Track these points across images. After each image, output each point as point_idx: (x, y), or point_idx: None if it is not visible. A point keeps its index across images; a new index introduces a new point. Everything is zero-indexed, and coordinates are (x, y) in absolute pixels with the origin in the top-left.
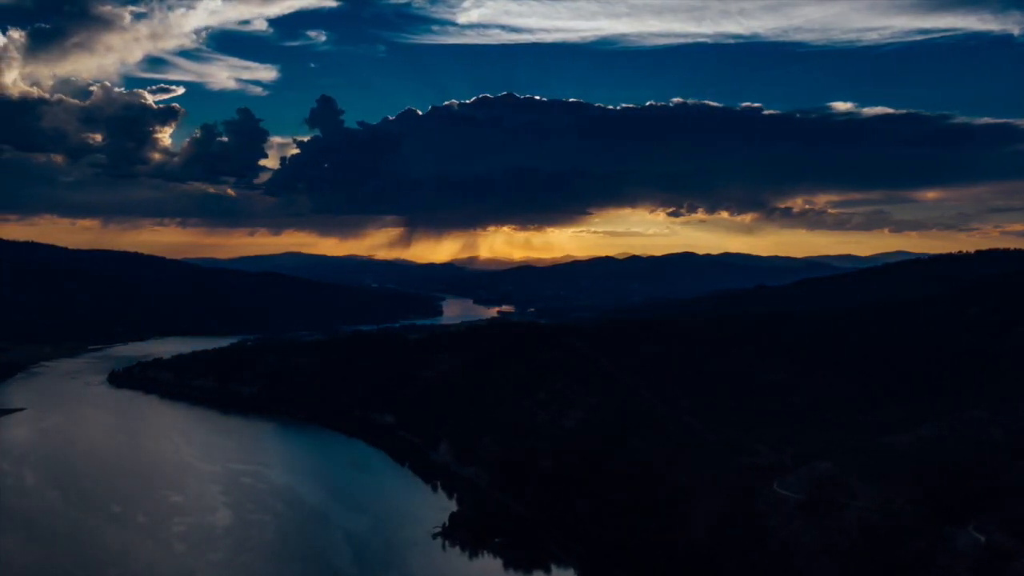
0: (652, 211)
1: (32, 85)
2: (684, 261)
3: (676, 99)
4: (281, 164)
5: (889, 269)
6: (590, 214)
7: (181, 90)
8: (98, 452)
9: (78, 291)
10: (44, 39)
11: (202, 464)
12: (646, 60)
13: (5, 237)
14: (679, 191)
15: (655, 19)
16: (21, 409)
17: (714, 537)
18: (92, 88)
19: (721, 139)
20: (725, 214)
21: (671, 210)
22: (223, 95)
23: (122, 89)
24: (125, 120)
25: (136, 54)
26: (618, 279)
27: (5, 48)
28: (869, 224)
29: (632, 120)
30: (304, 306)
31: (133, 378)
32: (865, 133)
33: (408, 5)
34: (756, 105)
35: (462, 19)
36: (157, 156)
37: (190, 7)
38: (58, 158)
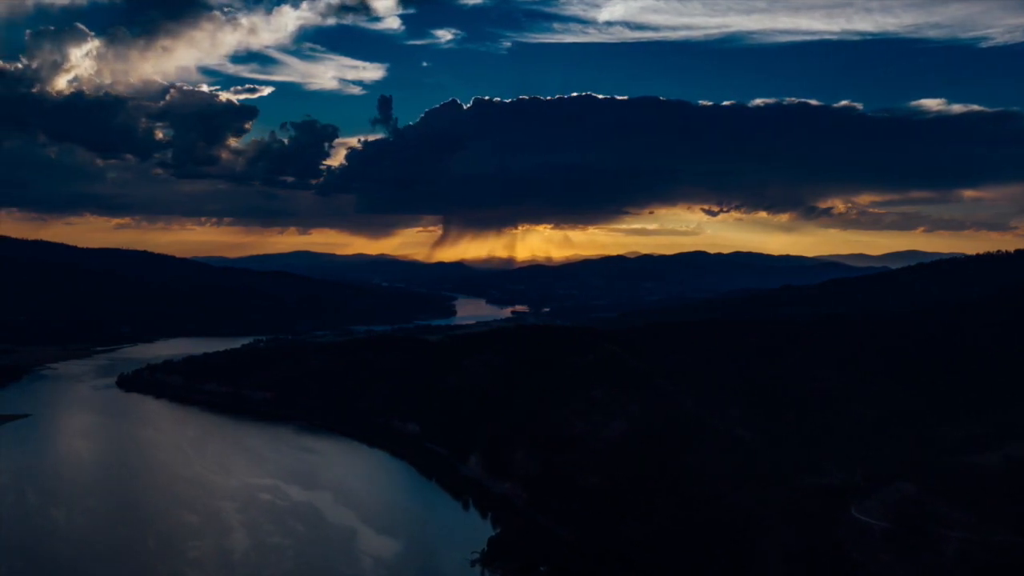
0: (689, 208)
1: (111, 84)
2: (695, 260)
3: (759, 100)
4: (343, 164)
5: (923, 269)
6: (627, 212)
7: (268, 90)
8: (105, 465)
9: (85, 291)
10: (131, 38)
11: (216, 478)
12: (765, 58)
13: (44, 238)
14: (722, 190)
15: (788, 16)
16: (25, 415)
17: (791, 571)
18: (173, 87)
19: (785, 138)
20: (764, 213)
21: (706, 207)
22: (317, 95)
23: (208, 88)
24: (198, 119)
25: (228, 51)
26: (630, 279)
27: (88, 47)
28: (907, 224)
29: (707, 120)
30: (315, 306)
31: (142, 382)
32: (936, 132)
33: (549, 2)
34: (851, 104)
35: (604, 16)
36: (225, 155)
37: (298, 4)
38: (130, 157)
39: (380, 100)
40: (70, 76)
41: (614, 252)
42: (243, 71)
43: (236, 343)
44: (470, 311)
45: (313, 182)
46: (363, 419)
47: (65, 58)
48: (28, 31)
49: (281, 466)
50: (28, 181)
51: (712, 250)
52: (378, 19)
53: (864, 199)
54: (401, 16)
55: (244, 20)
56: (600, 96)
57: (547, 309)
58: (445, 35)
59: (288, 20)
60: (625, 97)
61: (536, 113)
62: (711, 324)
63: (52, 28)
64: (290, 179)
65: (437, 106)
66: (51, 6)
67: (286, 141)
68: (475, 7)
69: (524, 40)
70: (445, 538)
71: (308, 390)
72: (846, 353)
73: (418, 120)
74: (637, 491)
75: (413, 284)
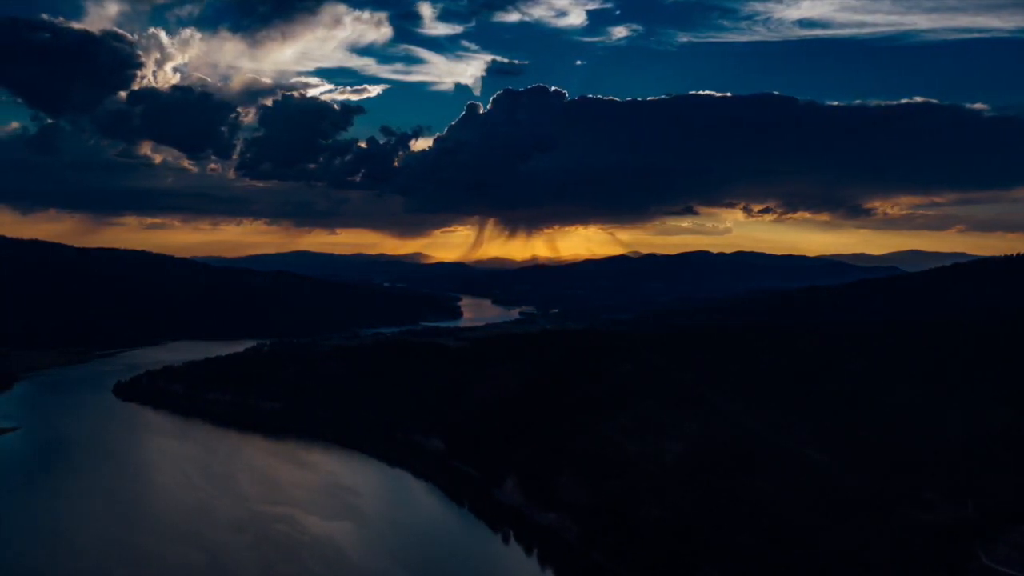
0: (731, 207)
1: (214, 84)
2: (699, 260)
3: (876, 100)
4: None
5: (957, 270)
6: (671, 212)
7: (378, 89)
8: (99, 490)
9: (84, 292)
10: (236, 37)
11: (223, 505)
12: (926, 56)
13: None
14: (771, 189)
15: (970, 14)
16: (13, 429)
17: None
18: (278, 87)
19: (874, 139)
20: (806, 213)
21: (744, 206)
22: (438, 94)
23: (330, 86)
24: (291, 120)
25: (368, 46)
26: (636, 278)
27: (192, 47)
28: (940, 224)
29: (807, 119)
30: (319, 307)
31: (141, 390)
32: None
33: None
34: (977, 104)
35: (795, 15)
36: (307, 156)
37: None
38: (214, 157)
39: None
40: (169, 76)
41: (597, 254)
42: (384, 71)
43: (239, 346)
44: (476, 312)
45: (378, 183)
46: (380, 433)
47: (166, 58)
48: (135, 32)
49: (295, 490)
50: (85, 180)
51: (739, 250)
52: (564, 14)
53: (913, 199)
54: (589, 12)
55: (368, 16)
56: (701, 93)
57: (556, 310)
58: (621, 32)
59: (432, 14)
60: (728, 94)
61: (633, 112)
62: (755, 329)
63: (156, 29)
64: (357, 179)
65: (520, 90)
66: (177, 13)
67: (364, 144)
68: (674, 3)
69: (693, 39)
70: None
71: (320, 400)
72: (920, 363)
73: (490, 102)
74: (708, 525)
75: (414, 284)
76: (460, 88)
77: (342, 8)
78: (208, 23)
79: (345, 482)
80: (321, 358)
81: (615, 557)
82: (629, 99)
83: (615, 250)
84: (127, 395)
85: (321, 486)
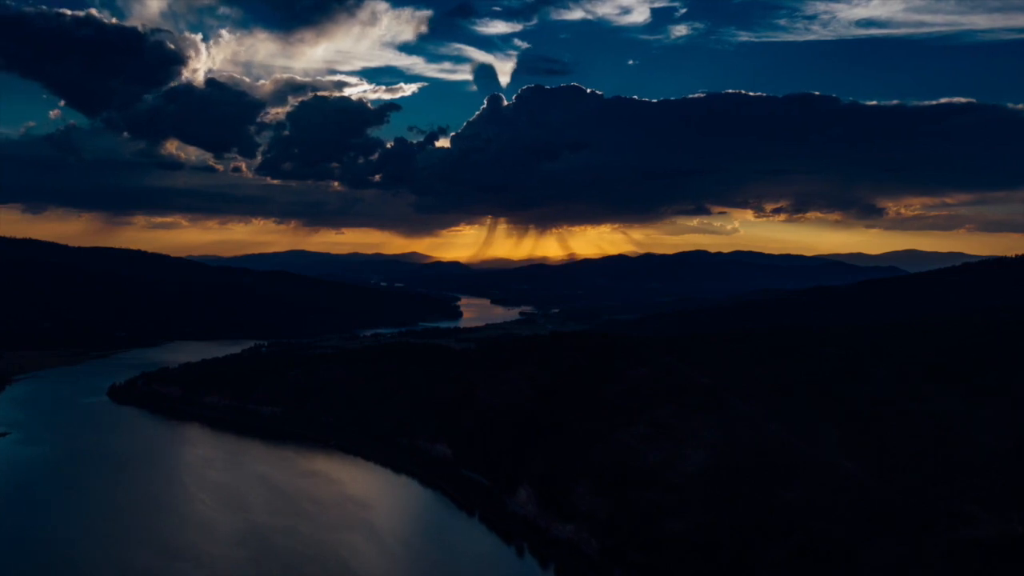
0: (741, 207)
1: (248, 83)
2: (697, 259)
3: (916, 100)
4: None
5: (967, 269)
6: (682, 212)
7: (413, 88)
8: (92, 500)
9: (80, 292)
10: (273, 35)
11: (221, 515)
12: (978, 54)
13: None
14: (784, 189)
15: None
16: (4, 434)
17: None
18: (310, 89)
19: (906, 139)
20: (818, 213)
21: (756, 205)
22: (474, 93)
23: (370, 85)
24: (320, 120)
25: (383, 43)
26: (635, 278)
27: (224, 47)
28: (950, 223)
29: (838, 118)
30: (316, 307)
31: (136, 392)
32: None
33: None
34: (1021, 106)
35: (859, 14)
36: (329, 156)
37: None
38: (238, 157)
39: (491, 98)
40: (203, 75)
41: (593, 254)
42: (430, 70)
43: (236, 347)
44: (475, 312)
45: (396, 183)
46: (385, 439)
47: (201, 58)
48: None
49: (298, 499)
50: (103, 179)
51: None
52: (628, 11)
53: (926, 200)
54: (653, 9)
55: (410, 14)
56: (731, 92)
57: (556, 310)
58: (681, 30)
59: (490, 12)
60: (763, 94)
61: (662, 112)
62: (769, 331)
63: (192, 35)
64: (376, 179)
65: (548, 87)
66: (217, 13)
67: (391, 144)
68: (741, 1)
69: (751, 38)
70: None
71: (321, 404)
72: (947, 368)
73: (514, 98)
74: (736, 539)
75: (411, 284)
76: (485, 81)
77: (382, 6)
78: (244, 23)
79: (350, 491)
80: (321, 360)
81: (638, 573)
82: (661, 99)
83: (625, 249)
84: (122, 398)
85: (325, 496)
